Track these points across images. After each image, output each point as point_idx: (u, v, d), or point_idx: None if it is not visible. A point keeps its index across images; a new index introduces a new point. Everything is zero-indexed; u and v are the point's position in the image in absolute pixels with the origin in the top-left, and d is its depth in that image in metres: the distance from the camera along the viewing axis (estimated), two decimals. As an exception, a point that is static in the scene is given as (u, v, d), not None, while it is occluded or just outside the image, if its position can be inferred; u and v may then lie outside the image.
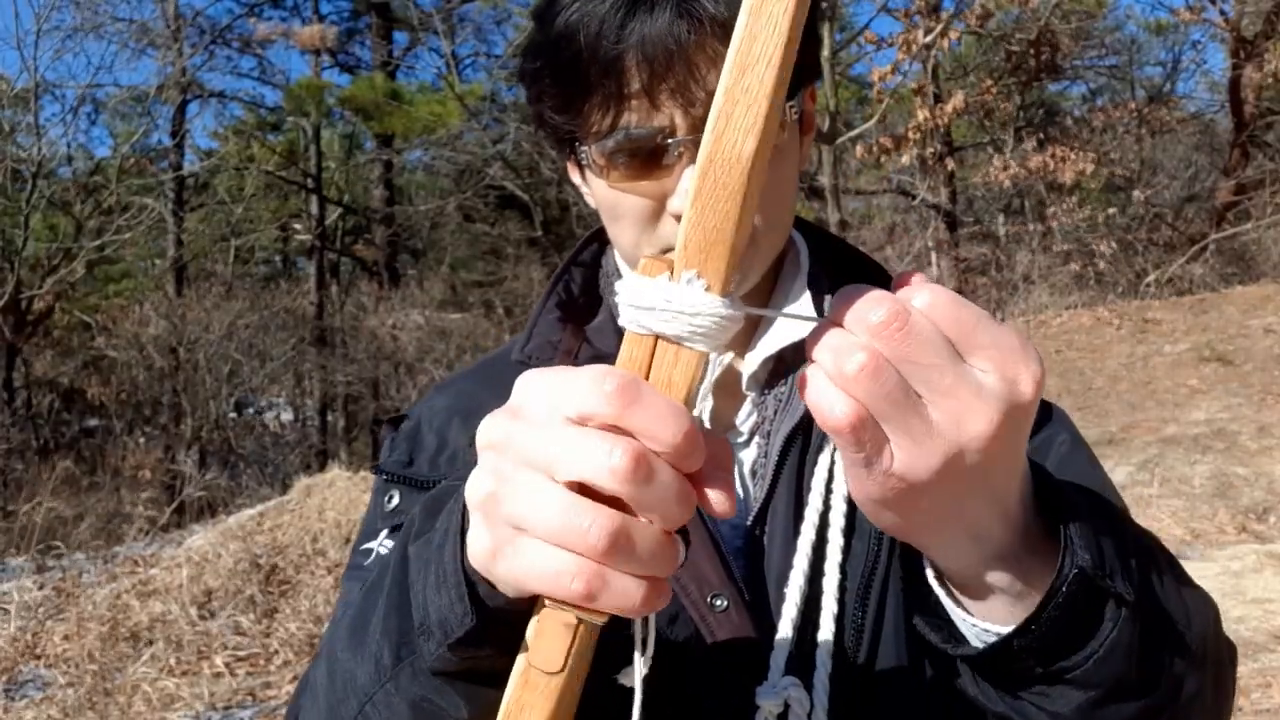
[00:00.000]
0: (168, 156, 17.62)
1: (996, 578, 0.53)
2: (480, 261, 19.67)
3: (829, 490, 0.73)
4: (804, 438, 0.75)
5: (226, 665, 4.47)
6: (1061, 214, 12.98)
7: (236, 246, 17.75)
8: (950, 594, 0.56)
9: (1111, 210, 13.84)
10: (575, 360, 0.79)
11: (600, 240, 0.87)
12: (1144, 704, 0.55)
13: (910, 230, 15.45)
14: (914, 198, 14.38)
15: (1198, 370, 8.00)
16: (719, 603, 0.70)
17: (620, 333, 0.52)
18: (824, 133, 12.26)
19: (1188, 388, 7.71)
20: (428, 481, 0.79)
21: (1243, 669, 3.88)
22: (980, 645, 0.55)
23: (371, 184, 19.83)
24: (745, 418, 0.79)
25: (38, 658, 4.65)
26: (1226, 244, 13.57)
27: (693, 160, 0.62)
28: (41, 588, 5.40)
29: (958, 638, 0.56)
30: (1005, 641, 0.53)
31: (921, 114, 11.58)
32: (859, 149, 12.16)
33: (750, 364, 0.78)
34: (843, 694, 0.68)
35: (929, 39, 11.01)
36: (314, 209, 19.31)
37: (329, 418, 17.68)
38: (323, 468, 10.05)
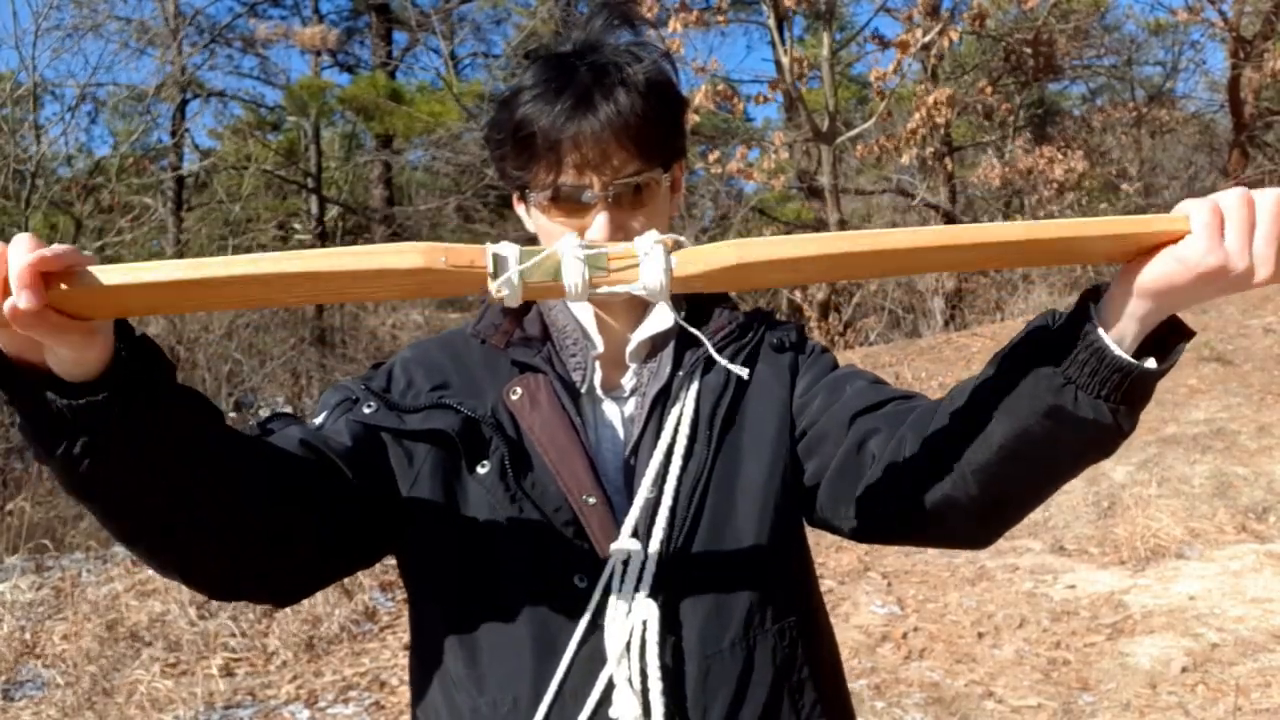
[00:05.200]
0: (167, 156, 17.61)
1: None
2: (480, 261, 19.64)
3: (676, 430, 1.08)
4: (665, 397, 1.10)
5: (225, 665, 4.46)
6: (1054, 197, 12.97)
7: (236, 245, 17.73)
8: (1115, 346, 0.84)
9: (1104, 206, 13.84)
10: (509, 339, 1.13)
11: None
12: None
13: (910, 230, 15.42)
14: (913, 198, 14.37)
15: (1197, 370, 8.00)
16: (589, 499, 1.04)
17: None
18: (823, 133, 12.26)
19: (1187, 387, 7.70)
20: (397, 405, 1.09)
21: (1242, 669, 3.88)
22: (1152, 368, 0.84)
23: (371, 183, 19.83)
24: (628, 381, 1.13)
25: (36, 657, 4.65)
26: (1226, 244, 13.56)
27: (604, 208, 1.03)
28: (40, 587, 5.39)
29: (1123, 368, 0.83)
30: (1159, 369, 0.85)
31: (919, 114, 11.58)
32: (858, 149, 12.16)
33: (632, 344, 1.11)
34: (667, 553, 1.03)
35: (928, 39, 11.01)
36: (314, 208, 19.30)
37: (328, 417, 17.67)
38: (322, 467, 10.02)
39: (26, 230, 13.15)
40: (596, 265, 0.83)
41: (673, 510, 1.05)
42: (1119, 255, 0.84)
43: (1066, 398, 0.84)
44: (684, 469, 1.06)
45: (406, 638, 4.63)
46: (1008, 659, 4.16)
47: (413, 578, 1.12)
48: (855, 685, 3.94)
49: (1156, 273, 0.81)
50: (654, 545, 1.03)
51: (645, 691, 1.00)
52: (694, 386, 1.10)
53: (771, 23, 12.56)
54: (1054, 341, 0.87)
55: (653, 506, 1.05)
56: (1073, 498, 6.15)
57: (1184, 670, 3.93)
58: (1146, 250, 0.82)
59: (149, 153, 17.22)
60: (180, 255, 17.04)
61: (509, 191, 1.14)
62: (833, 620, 4.14)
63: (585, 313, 1.12)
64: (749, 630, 1.05)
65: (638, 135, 1.03)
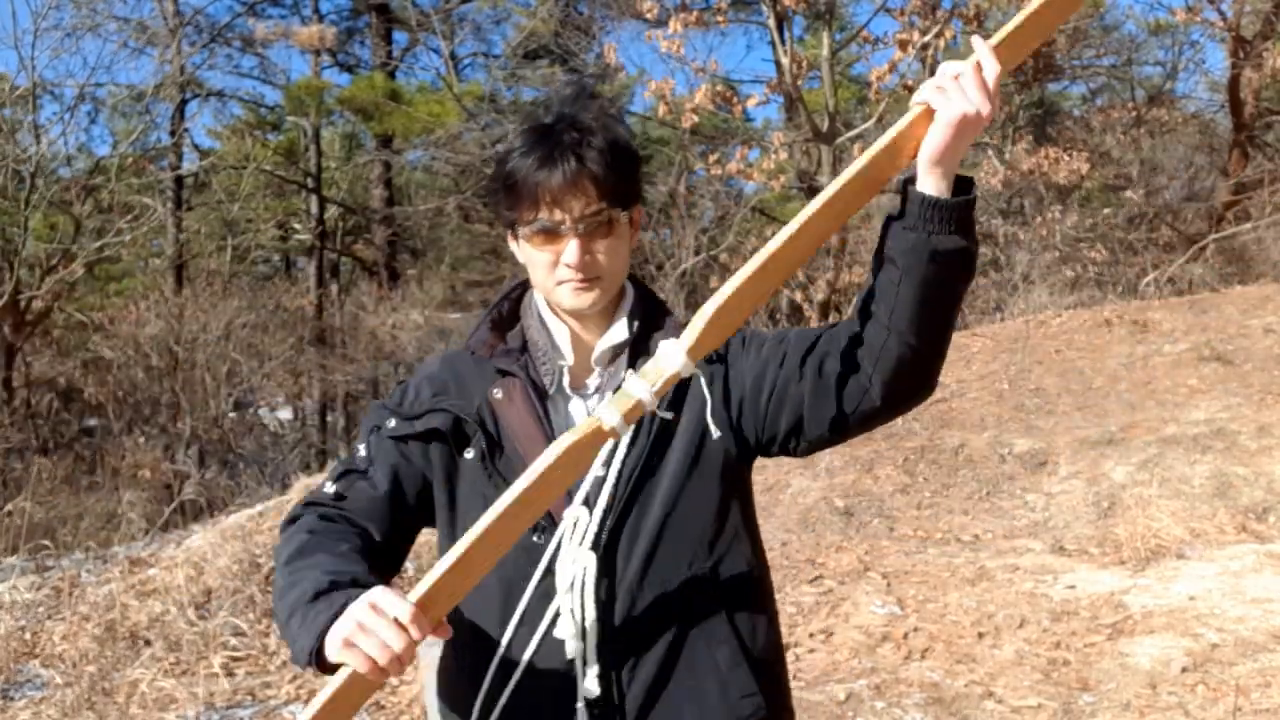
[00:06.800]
0: (167, 156, 17.59)
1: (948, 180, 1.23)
2: (480, 261, 19.66)
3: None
4: None
5: (225, 665, 4.46)
6: (1058, 216, 12.94)
7: (235, 245, 17.73)
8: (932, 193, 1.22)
9: (1107, 210, 13.82)
10: (493, 352, 1.44)
11: (524, 286, 1.50)
12: (967, 270, 1.25)
13: (910, 230, 15.40)
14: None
15: (1197, 370, 8.00)
16: None
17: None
18: (823, 133, 12.26)
19: (1187, 388, 7.70)
20: (409, 415, 1.43)
21: (1242, 669, 3.88)
22: (968, 197, 1.23)
23: (371, 183, 19.81)
24: (594, 381, 1.43)
25: (36, 657, 4.65)
26: (1226, 244, 13.54)
27: (575, 236, 1.34)
28: (39, 587, 5.39)
29: (952, 205, 1.22)
30: (971, 198, 1.23)
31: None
32: (857, 149, 12.15)
33: (596, 351, 1.41)
34: (607, 517, 1.34)
35: (926, 39, 11.00)
36: (313, 208, 19.29)
37: (328, 417, 17.66)
38: (322, 467, 10.03)
39: (27, 229, 13.07)
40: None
41: (615, 485, 1.35)
42: (905, 159, 1.23)
43: (935, 244, 1.21)
44: (627, 453, 1.36)
45: (406, 638, 4.55)
46: (1008, 659, 4.15)
47: (438, 538, 1.48)
48: (855, 685, 3.94)
49: (933, 143, 1.20)
50: (598, 511, 1.34)
51: (583, 619, 1.33)
52: None
53: (771, 23, 12.55)
54: (905, 221, 1.23)
55: (600, 482, 1.34)
56: (1073, 498, 6.15)
57: (1184, 670, 3.93)
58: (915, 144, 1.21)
59: (149, 153, 17.20)
60: (179, 255, 17.04)
61: (505, 230, 1.44)
62: (832, 620, 4.10)
63: (559, 329, 1.42)
64: (667, 575, 1.36)
65: (598, 183, 1.33)
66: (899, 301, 1.24)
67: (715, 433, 1.32)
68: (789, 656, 4.29)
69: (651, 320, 1.44)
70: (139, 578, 5.45)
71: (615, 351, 1.42)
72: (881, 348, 1.27)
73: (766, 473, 6.94)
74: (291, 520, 1.39)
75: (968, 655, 4.20)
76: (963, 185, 1.23)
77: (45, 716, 4.03)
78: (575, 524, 1.33)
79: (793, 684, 4.18)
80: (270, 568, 5.50)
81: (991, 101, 1.18)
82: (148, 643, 4.66)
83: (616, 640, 1.34)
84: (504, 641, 1.35)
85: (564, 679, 1.33)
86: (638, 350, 1.41)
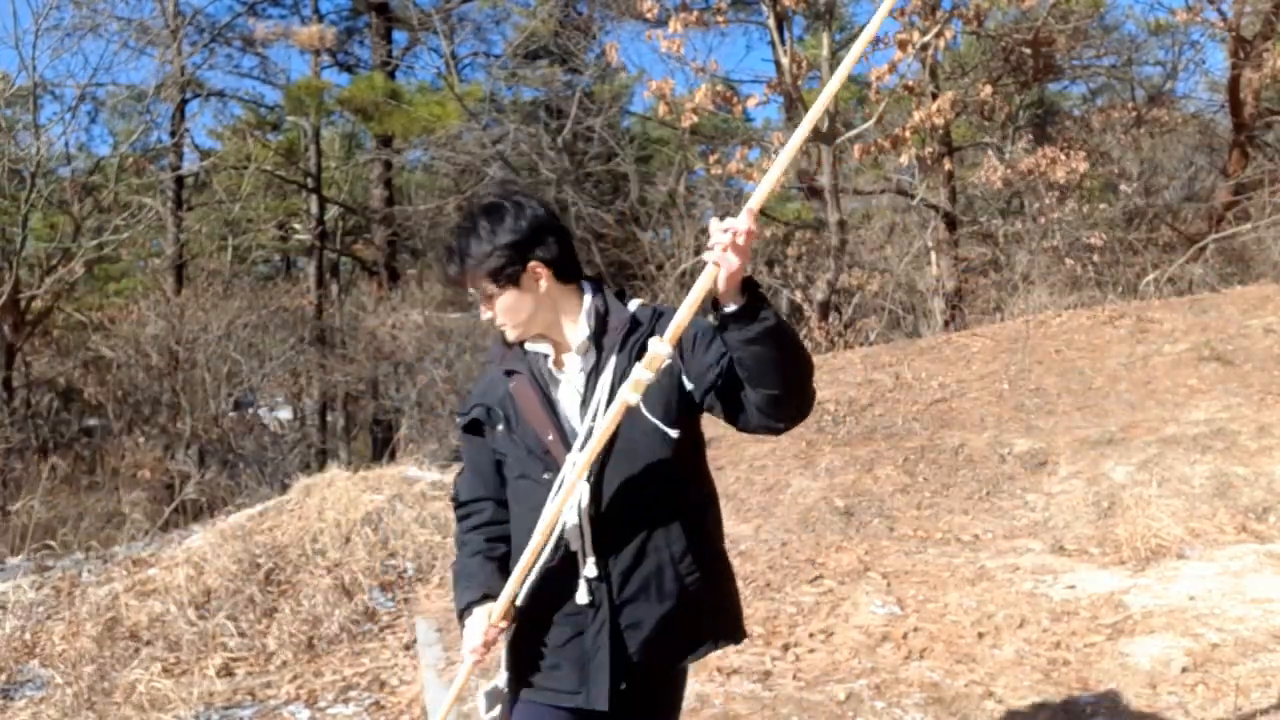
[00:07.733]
0: (167, 156, 17.58)
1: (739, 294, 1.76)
2: (480, 261, 19.59)
3: (601, 392, 1.93)
4: (596, 373, 1.97)
5: (225, 665, 4.46)
6: (1055, 205, 12.92)
7: (235, 245, 17.72)
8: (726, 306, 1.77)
9: (1103, 206, 13.81)
10: (503, 359, 2.07)
11: None
12: (788, 354, 1.82)
13: (909, 230, 15.42)
14: (913, 197, 14.36)
15: (1197, 370, 7.99)
16: (549, 436, 1.96)
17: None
18: (823, 133, 12.25)
19: (1187, 388, 7.70)
20: (464, 413, 2.11)
21: (1242, 669, 3.88)
22: (752, 298, 1.76)
23: (371, 184, 19.78)
24: (576, 363, 2.00)
25: (36, 657, 4.65)
26: (1226, 244, 13.53)
27: (483, 303, 2.02)
28: (40, 587, 5.39)
29: (747, 305, 1.75)
30: (758, 302, 1.77)
31: (919, 114, 11.56)
32: (857, 149, 12.14)
33: (575, 340, 1.99)
34: (597, 464, 1.92)
35: (926, 39, 11.00)
36: (313, 208, 19.27)
37: (328, 417, 17.65)
38: (322, 467, 10.01)
39: (26, 229, 13.07)
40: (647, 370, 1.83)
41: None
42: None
43: (748, 334, 1.75)
44: (605, 412, 1.89)
45: (406, 638, 4.62)
46: (1008, 659, 4.15)
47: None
48: (855, 685, 3.94)
49: (723, 287, 1.73)
50: (586, 452, 1.88)
51: (583, 526, 1.94)
52: (610, 365, 1.96)
53: (771, 23, 12.54)
54: (724, 328, 1.78)
55: (590, 432, 1.90)
56: (1073, 498, 6.15)
57: (1184, 670, 3.93)
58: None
59: (149, 153, 17.19)
60: (180, 255, 17.05)
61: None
62: (832, 620, 4.11)
63: (546, 345, 2.00)
64: (638, 494, 1.94)
65: (481, 270, 1.94)
66: (749, 372, 1.81)
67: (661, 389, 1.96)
68: (789, 656, 4.29)
69: (611, 308, 2.01)
70: (139, 578, 5.45)
71: (585, 345, 2.00)
72: (759, 400, 1.85)
73: (767, 473, 6.94)
74: (460, 520, 2.15)
75: (968, 655, 4.20)
76: (748, 284, 1.76)
77: (45, 716, 4.03)
78: (575, 464, 1.89)
79: (792, 684, 4.17)
80: (269, 568, 5.51)
81: (746, 256, 1.72)
82: (148, 643, 4.66)
83: (606, 538, 1.94)
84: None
85: (571, 566, 1.95)
86: (600, 338, 1.99)
